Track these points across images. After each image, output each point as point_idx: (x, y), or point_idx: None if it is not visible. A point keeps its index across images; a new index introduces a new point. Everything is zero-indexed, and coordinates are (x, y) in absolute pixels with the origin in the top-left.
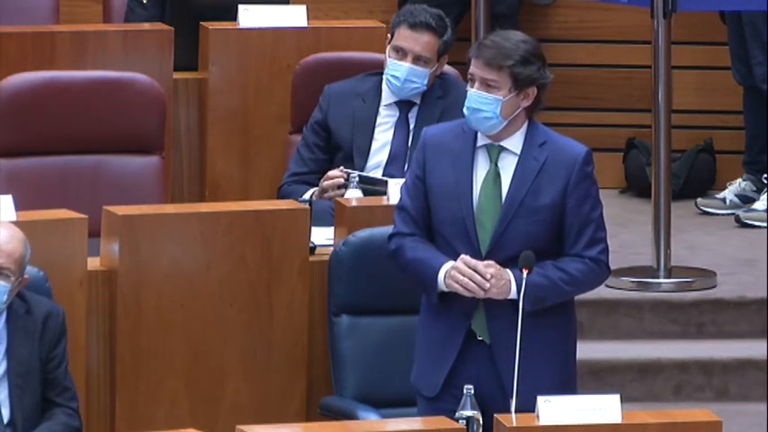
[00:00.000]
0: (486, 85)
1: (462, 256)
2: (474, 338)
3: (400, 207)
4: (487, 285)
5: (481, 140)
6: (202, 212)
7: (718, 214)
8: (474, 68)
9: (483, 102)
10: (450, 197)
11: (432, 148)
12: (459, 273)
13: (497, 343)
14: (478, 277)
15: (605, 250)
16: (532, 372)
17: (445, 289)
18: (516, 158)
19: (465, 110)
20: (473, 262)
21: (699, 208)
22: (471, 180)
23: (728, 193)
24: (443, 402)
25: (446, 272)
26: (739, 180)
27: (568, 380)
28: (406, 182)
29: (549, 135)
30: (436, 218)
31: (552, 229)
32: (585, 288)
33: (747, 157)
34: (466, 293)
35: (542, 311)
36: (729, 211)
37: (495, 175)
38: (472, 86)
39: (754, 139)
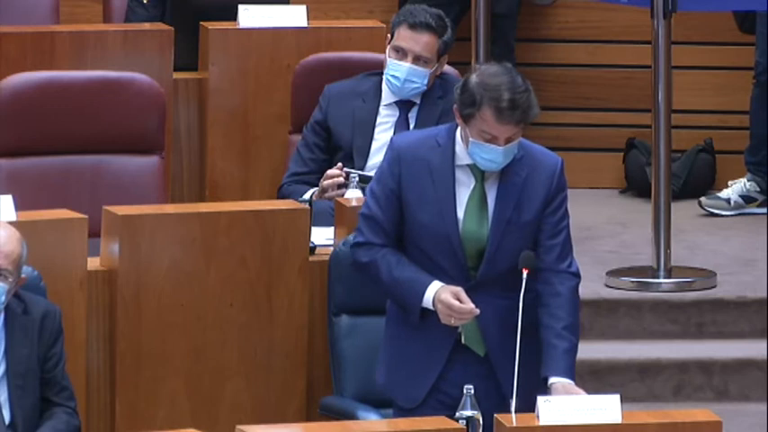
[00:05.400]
0: (507, 140)
1: (450, 295)
2: (461, 349)
3: (369, 216)
4: (477, 311)
5: (464, 159)
6: (202, 212)
7: (723, 215)
8: (499, 129)
9: (504, 152)
10: (432, 214)
11: (407, 161)
12: (452, 310)
13: (494, 353)
14: (467, 308)
15: (574, 258)
16: (529, 376)
17: (430, 308)
18: (498, 176)
19: (486, 156)
20: (462, 297)
21: (704, 209)
22: (454, 197)
23: (732, 194)
24: (427, 409)
25: (435, 295)
26: (744, 180)
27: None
28: (373, 191)
29: (525, 148)
30: (415, 232)
31: (532, 240)
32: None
33: (753, 157)
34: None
35: (532, 322)
36: (734, 212)
37: (481, 193)
38: (498, 144)
39: (761, 139)
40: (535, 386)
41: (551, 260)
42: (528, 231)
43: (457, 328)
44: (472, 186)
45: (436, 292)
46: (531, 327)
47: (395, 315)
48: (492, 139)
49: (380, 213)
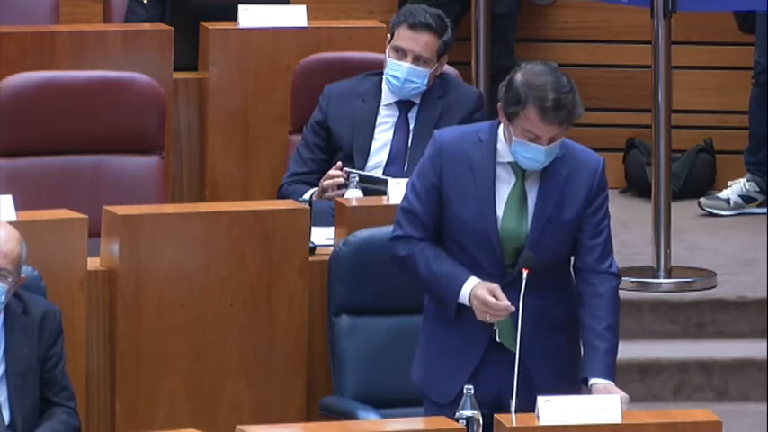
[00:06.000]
0: (550, 140)
1: (486, 291)
2: (495, 346)
3: (409, 210)
4: (513, 309)
5: (505, 157)
6: (202, 212)
7: (723, 215)
8: (542, 129)
9: (547, 152)
10: (472, 210)
11: (449, 156)
12: (488, 306)
13: (528, 352)
14: (503, 304)
15: (614, 259)
16: (562, 375)
17: (466, 303)
18: (539, 175)
19: (528, 155)
20: (498, 294)
21: (704, 209)
22: (494, 194)
23: (732, 194)
24: (459, 406)
25: (471, 291)
26: (743, 180)
27: (575, 383)
28: (413, 185)
29: (566, 146)
30: (454, 227)
31: (571, 239)
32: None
33: (753, 157)
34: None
35: (556, 320)
36: (734, 212)
37: (521, 191)
38: (541, 143)
39: (761, 139)
40: (569, 385)
41: (592, 260)
42: (568, 230)
43: (492, 325)
44: (512, 184)
45: (472, 288)
46: (567, 325)
47: (432, 311)
48: (535, 139)
49: (420, 207)
